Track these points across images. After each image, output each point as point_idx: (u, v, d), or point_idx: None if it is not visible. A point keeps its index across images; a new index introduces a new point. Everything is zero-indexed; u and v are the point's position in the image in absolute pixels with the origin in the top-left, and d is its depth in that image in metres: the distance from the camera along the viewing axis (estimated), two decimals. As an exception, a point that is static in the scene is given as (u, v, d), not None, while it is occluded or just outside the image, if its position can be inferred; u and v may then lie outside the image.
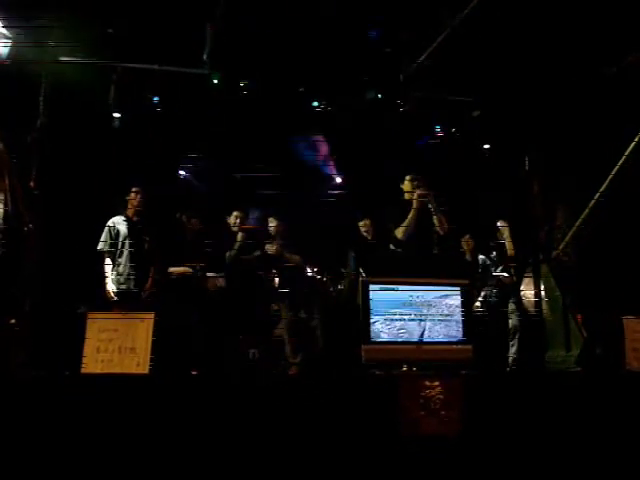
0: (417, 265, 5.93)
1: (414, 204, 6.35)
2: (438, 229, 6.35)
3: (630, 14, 6.92)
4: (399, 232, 6.29)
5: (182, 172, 9.87)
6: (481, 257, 8.27)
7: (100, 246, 6.64)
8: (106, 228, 6.67)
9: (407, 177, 6.72)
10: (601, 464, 4.57)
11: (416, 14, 7.39)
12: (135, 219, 6.81)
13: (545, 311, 7.75)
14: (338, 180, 10.43)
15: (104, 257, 6.63)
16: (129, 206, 6.83)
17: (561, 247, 7.72)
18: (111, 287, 6.49)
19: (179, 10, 7.17)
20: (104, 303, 6.42)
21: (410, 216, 6.32)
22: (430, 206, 6.35)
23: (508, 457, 4.46)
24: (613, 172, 7.27)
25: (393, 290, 4.91)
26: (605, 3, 6.81)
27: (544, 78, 8.16)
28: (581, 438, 4.66)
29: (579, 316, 7.40)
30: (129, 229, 6.73)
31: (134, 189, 6.86)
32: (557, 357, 7.23)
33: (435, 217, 6.35)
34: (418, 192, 6.38)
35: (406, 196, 6.60)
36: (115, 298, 6.45)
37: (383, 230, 6.64)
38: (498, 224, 8.24)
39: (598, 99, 8.03)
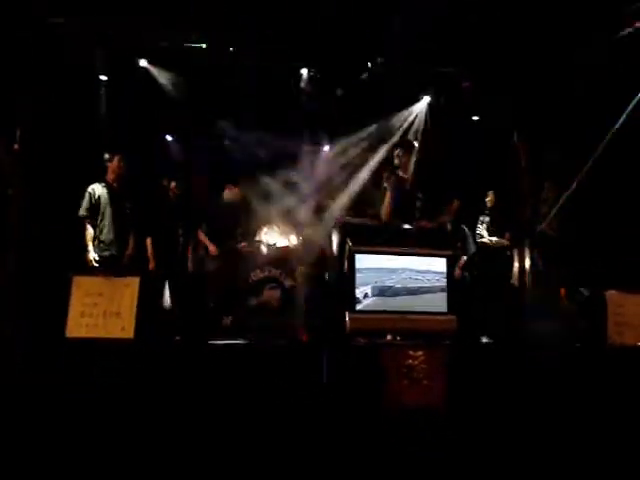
0: (399, 237, 5.96)
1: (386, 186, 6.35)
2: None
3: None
4: (382, 214, 6.28)
5: (169, 137, 9.76)
6: (462, 227, 8.23)
7: (81, 212, 6.56)
8: (86, 194, 6.59)
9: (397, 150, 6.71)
10: (582, 435, 4.64)
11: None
12: (115, 185, 6.75)
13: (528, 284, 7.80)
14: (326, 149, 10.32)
15: (85, 223, 6.56)
16: (109, 172, 6.75)
17: (547, 221, 7.74)
18: (92, 255, 6.44)
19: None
20: (86, 269, 6.36)
21: (386, 198, 6.30)
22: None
23: (490, 428, 4.52)
24: (600, 147, 7.27)
25: (378, 260, 4.92)
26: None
27: (534, 50, 8.11)
28: (563, 410, 4.73)
29: (562, 290, 7.44)
30: (109, 195, 6.66)
31: (115, 155, 6.77)
32: (542, 330, 7.28)
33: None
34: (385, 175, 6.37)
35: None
36: (96, 265, 6.39)
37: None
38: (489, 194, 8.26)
39: (588, 73, 8.01)
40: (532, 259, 7.89)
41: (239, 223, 7.49)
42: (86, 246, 6.44)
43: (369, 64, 8.48)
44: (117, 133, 7.89)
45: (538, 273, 7.78)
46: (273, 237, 7.94)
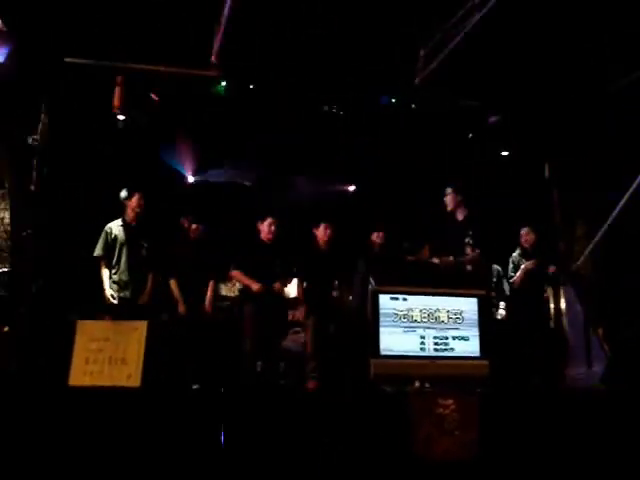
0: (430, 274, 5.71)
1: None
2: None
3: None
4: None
5: (191, 177, 9.64)
6: (495, 267, 7.89)
7: (97, 252, 6.33)
8: (103, 233, 6.37)
9: (448, 190, 7.01)
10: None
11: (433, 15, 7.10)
12: (133, 224, 6.51)
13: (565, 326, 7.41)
14: (351, 188, 10.14)
15: (101, 263, 6.33)
16: (128, 210, 6.52)
17: (581, 260, 7.40)
18: (109, 292, 6.18)
19: (186, 10, 6.94)
20: (103, 310, 6.11)
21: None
22: None
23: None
24: (635, 184, 6.96)
25: (404, 300, 4.60)
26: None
27: (568, 84, 7.87)
28: (606, 461, 4.33)
29: (600, 330, 7.06)
30: (127, 234, 6.43)
31: (135, 193, 6.55)
32: (578, 374, 6.90)
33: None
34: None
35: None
36: (114, 302, 6.13)
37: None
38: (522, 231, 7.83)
39: (621, 110, 7.74)
40: (567, 299, 7.50)
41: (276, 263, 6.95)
42: (102, 285, 6.21)
43: (392, 100, 8.32)
44: (136, 172, 7.75)
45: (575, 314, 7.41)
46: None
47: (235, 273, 6.86)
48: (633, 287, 7.31)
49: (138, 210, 6.50)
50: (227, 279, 7.87)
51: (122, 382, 4.09)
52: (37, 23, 6.86)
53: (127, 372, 4.11)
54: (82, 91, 7.44)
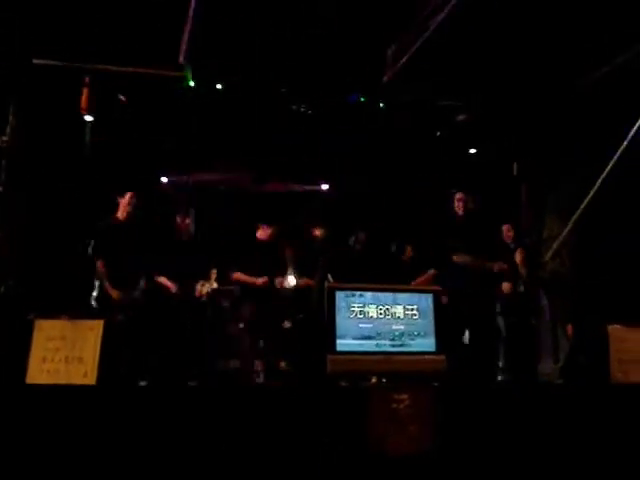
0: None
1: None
2: None
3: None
4: None
5: (164, 178, 9.66)
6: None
7: (92, 251, 6.29)
8: (97, 232, 6.35)
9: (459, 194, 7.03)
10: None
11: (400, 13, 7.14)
12: (125, 222, 6.49)
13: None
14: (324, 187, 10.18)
15: (96, 262, 6.28)
16: (120, 208, 6.49)
17: (549, 255, 7.47)
18: (116, 293, 6.14)
19: (154, 9, 6.95)
20: (106, 308, 6.09)
21: None
22: None
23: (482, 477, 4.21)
24: (600, 180, 7.03)
25: (360, 297, 4.64)
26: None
27: (535, 82, 7.93)
28: (561, 456, 4.40)
29: (569, 326, 7.13)
30: (118, 233, 6.40)
31: (127, 192, 6.53)
32: (545, 369, 6.97)
33: None
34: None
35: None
36: (120, 298, 6.12)
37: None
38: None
39: (588, 105, 7.82)
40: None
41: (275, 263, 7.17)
42: (104, 285, 6.19)
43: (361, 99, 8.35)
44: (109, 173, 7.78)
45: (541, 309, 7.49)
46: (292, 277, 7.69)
47: (237, 275, 6.99)
48: (600, 283, 7.39)
49: (130, 209, 6.51)
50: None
51: (78, 380, 4.12)
52: (4, 24, 6.87)
53: (83, 370, 4.14)
54: (51, 92, 7.45)
